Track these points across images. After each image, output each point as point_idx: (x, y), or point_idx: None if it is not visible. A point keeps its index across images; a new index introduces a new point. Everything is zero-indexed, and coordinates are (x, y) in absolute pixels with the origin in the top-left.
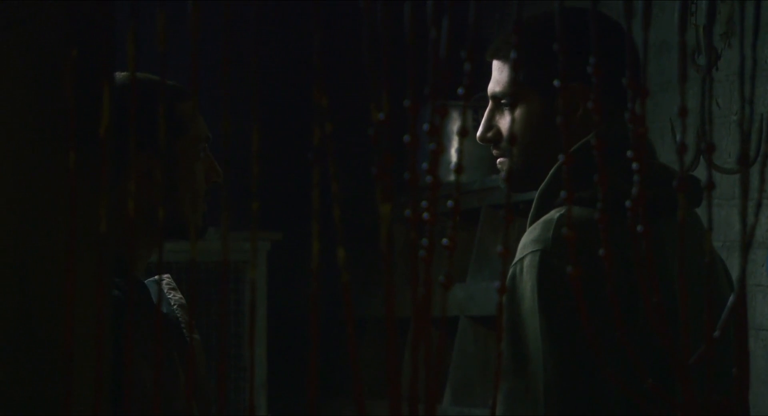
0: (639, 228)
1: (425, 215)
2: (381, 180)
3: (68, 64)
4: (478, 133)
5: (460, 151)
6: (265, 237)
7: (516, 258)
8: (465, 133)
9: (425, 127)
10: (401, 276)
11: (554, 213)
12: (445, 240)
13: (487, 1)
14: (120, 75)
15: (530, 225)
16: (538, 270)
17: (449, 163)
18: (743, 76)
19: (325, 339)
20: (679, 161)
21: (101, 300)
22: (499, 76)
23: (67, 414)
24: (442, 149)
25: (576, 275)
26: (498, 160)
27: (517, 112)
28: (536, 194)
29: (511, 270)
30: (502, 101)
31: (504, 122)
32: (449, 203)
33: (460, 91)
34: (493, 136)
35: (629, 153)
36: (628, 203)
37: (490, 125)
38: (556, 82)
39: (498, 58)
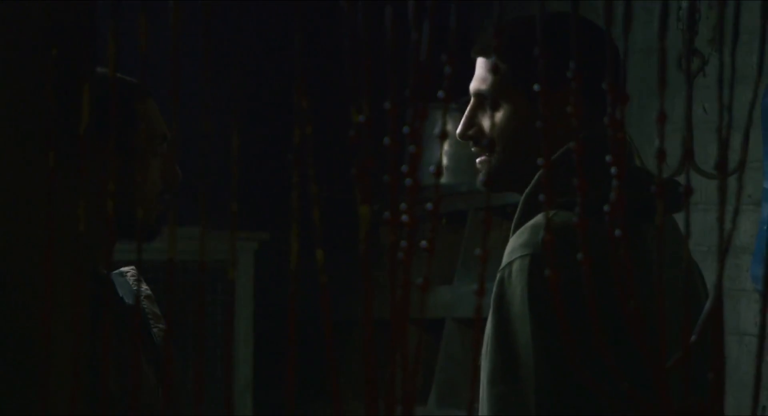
0: (617, 232)
1: (404, 217)
2: (360, 182)
3: (48, 63)
4: (458, 130)
5: (440, 153)
6: (252, 237)
7: (504, 263)
8: (445, 136)
9: (405, 129)
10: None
11: (542, 217)
12: (423, 243)
13: (469, 3)
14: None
15: (515, 229)
16: (528, 274)
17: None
18: (722, 83)
19: (311, 339)
20: (658, 167)
21: (78, 299)
22: (484, 73)
23: (44, 414)
24: (422, 151)
25: (555, 279)
26: (477, 159)
27: (501, 112)
28: (521, 198)
29: (498, 275)
30: (486, 99)
31: (486, 120)
32: (428, 206)
33: (440, 94)
34: (474, 134)
35: (608, 157)
36: (606, 208)
37: (472, 123)
38: (536, 87)
39: (483, 56)
